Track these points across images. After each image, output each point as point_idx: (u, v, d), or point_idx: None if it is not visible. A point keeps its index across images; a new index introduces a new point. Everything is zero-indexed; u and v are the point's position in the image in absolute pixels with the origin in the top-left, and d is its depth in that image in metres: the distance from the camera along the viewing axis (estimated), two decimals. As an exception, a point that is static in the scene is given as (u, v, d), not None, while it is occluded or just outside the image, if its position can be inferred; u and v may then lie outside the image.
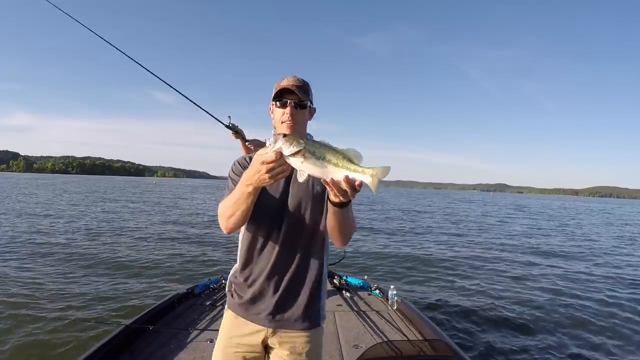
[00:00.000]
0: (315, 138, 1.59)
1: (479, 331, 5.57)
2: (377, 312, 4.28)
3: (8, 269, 8.45)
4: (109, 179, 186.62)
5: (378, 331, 3.78)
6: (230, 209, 1.51)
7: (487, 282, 8.39)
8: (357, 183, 1.23)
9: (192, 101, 3.85)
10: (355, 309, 4.38)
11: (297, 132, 1.72)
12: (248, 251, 1.75)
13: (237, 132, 3.86)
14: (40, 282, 7.53)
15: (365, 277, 5.25)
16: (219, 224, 1.61)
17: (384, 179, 1.26)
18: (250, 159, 1.74)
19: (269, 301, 1.70)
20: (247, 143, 3.94)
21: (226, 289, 1.87)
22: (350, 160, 1.23)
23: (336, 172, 1.22)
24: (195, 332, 3.51)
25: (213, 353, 1.82)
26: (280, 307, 1.70)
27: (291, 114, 1.70)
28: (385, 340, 3.48)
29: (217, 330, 3.46)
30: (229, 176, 1.78)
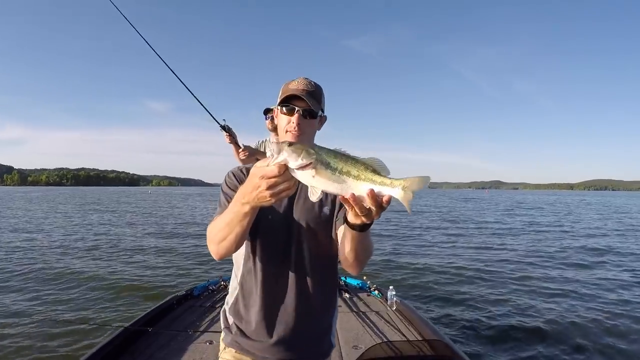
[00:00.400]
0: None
1: (478, 331, 5.56)
2: (377, 312, 4.28)
3: (8, 272, 8.62)
4: (103, 189, 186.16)
5: (377, 332, 3.78)
6: (222, 231, 1.27)
7: (487, 282, 8.37)
8: (384, 199, 0.99)
9: (192, 94, 3.85)
10: (355, 309, 4.38)
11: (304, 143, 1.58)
12: (248, 281, 1.56)
13: (231, 135, 3.86)
14: (40, 285, 7.65)
15: (364, 278, 5.25)
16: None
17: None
18: (248, 170, 1.49)
19: (277, 337, 1.51)
20: (239, 150, 3.93)
21: (221, 324, 1.67)
22: (375, 171, 1.01)
23: (358, 186, 1.00)
24: (195, 334, 3.50)
25: None
26: (291, 343, 1.53)
27: (298, 124, 1.50)
28: (385, 340, 3.49)
29: (217, 331, 3.48)
30: (222, 190, 1.56)
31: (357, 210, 1.02)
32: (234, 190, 1.42)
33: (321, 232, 1.54)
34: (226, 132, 3.86)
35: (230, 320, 1.62)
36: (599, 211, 36.18)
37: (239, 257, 1.57)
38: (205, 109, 3.89)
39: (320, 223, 1.54)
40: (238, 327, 1.57)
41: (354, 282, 5.19)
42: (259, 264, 1.53)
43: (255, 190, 1.04)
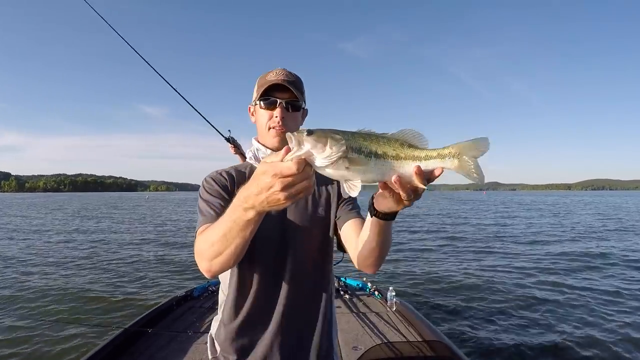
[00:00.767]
0: None
1: (478, 332, 5.55)
2: (376, 313, 4.28)
3: (9, 273, 8.74)
4: (101, 195, 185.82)
5: (377, 332, 3.78)
6: (216, 244, 1.04)
7: (487, 282, 8.36)
8: (436, 172, 0.85)
9: (197, 110, 3.90)
10: (355, 310, 4.38)
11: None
12: (239, 298, 1.36)
13: (236, 147, 3.90)
14: (40, 286, 7.70)
15: (364, 278, 5.25)
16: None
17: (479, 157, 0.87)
18: (228, 174, 1.43)
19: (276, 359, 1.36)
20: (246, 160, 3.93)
21: (209, 354, 1.47)
22: (412, 146, 0.88)
23: (401, 167, 0.86)
24: (195, 335, 3.49)
25: None
26: None
27: (282, 117, 1.35)
28: (385, 341, 3.49)
29: (217, 332, 3.46)
30: (202, 198, 1.35)
31: (403, 195, 0.86)
32: (217, 196, 1.32)
33: (317, 235, 1.41)
34: (231, 143, 3.90)
35: (218, 349, 1.42)
36: (600, 211, 36.21)
37: (226, 272, 1.38)
38: (210, 123, 3.95)
39: (316, 225, 1.41)
40: (226, 354, 1.38)
41: (353, 283, 5.19)
42: (249, 277, 1.35)
43: (265, 191, 0.83)
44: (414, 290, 7.66)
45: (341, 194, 1.39)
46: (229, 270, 1.36)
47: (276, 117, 1.35)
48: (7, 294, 7.14)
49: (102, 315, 6.04)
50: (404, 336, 3.67)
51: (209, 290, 4.70)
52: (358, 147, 0.84)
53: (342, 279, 5.25)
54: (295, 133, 0.82)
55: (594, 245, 13.63)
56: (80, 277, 8.61)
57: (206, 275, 1.14)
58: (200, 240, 1.13)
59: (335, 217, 1.44)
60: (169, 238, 15.62)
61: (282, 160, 0.81)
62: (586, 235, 16.89)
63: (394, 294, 4.43)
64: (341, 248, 1.44)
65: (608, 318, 6.13)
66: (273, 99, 1.35)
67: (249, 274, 1.35)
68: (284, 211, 1.36)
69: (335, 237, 1.46)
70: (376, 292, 4.85)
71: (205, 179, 1.41)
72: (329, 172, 0.84)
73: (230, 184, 1.39)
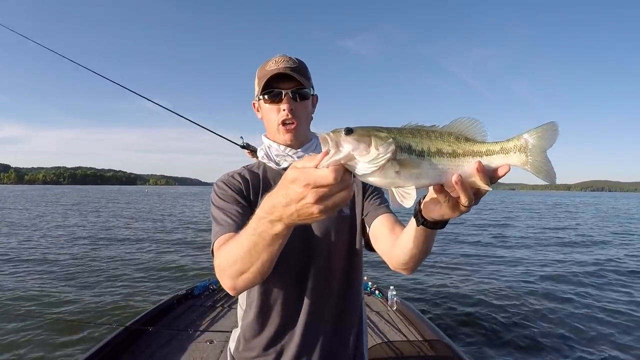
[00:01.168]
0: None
1: (479, 331, 5.54)
2: (377, 312, 4.26)
3: (9, 273, 8.66)
4: (100, 188, 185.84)
5: (378, 332, 3.76)
6: (241, 261, 0.91)
7: (487, 282, 8.35)
8: (501, 170, 0.72)
9: (209, 130, 3.91)
10: None
11: (301, 134, 1.29)
12: (261, 312, 1.26)
13: (253, 152, 3.93)
14: (41, 285, 7.68)
15: (365, 278, 5.24)
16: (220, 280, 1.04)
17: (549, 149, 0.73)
18: (241, 176, 1.32)
19: None
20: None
21: None
22: (469, 140, 0.75)
23: (460, 165, 0.73)
24: (195, 333, 3.49)
25: None
26: None
27: (290, 110, 1.22)
28: (385, 340, 3.48)
29: (217, 331, 3.47)
30: (214, 205, 1.23)
31: (463, 199, 0.73)
32: (232, 202, 1.21)
33: (344, 236, 1.29)
34: (247, 149, 3.93)
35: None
36: (599, 212, 36.25)
37: None
38: (223, 137, 3.97)
39: (342, 226, 1.28)
40: None
41: None
42: (271, 289, 1.24)
43: (294, 203, 0.71)
44: (415, 289, 7.63)
45: (365, 187, 1.33)
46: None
47: (284, 110, 1.22)
48: (6, 293, 7.10)
49: (102, 313, 6.03)
50: (405, 335, 3.65)
51: (210, 289, 4.69)
52: (407, 145, 0.71)
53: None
54: (331, 133, 0.69)
55: (596, 249, 13.61)
56: (80, 275, 8.58)
57: (231, 293, 1.03)
58: (220, 256, 1.00)
59: (362, 214, 1.31)
60: (170, 235, 15.59)
61: (316, 167, 0.67)
62: (585, 238, 16.89)
63: (394, 293, 4.41)
64: (370, 247, 1.30)
65: (611, 318, 6.14)
66: (277, 90, 1.22)
67: (270, 286, 1.24)
68: None
69: (362, 237, 1.34)
70: (377, 291, 4.84)
71: (216, 183, 1.30)
72: (375, 179, 0.70)
73: (245, 187, 1.29)
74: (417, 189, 0.72)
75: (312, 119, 1.35)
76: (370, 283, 5.05)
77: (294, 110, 1.23)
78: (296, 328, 1.24)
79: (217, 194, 1.25)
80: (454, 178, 0.70)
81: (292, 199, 0.71)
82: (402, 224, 1.17)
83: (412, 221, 0.94)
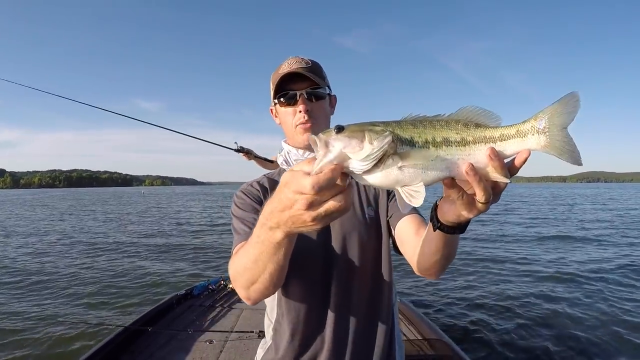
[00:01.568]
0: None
1: (479, 330, 5.52)
2: None
3: (7, 273, 8.74)
4: (96, 190, 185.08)
5: None
6: (250, 271, 0.88)
7: (487, 281, 8.28)
8: (519, 159, 0.65)
9: (203, 139, 3.97)
10: None
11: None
12: (285, 322, 1.22)
13: (249, 153, 3.97)
14: (39, 285, 7.73)
15: None
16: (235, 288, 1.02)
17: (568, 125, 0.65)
18: (261, 185, 1.29)
19: None
20: (272, 160, 4.03)
21: None
22: (479, 126, 0.67)
23: (472, 154, 0.65)
24: (195, 333, 3.48)
25: None
26: None
27: (306, 110, 1.18)
28: None
29: (217, 331, 3.47)
30: (234, 215, 1.22)
31: (479, 193, 0.65)
32: (250, 211, 1.18)
33: (370, 240, 1.22)
34: (242, 152, 3.98)
35: None
36: (595, 202, 36.33)
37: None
38: (217, 144, 4.03)
39: (367, 229, 1.21)
40: None
41: None
42: (293, 300, 1.20)
43: (287, 209, 0.66)
44: (414, 288, 7.61)
45: None
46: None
47: (300, 111, 1.18)
48: (5, 294, 7.15)
49: (102, 313, 6.04)
50: (404, 334, 3.64)
51: (209, 289, 4.68)
52: (409, 137, 0.64)
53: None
54: (320, 134, 0.63)
55: (594, 246, 13.56)
56: (79, 275, 8.58)
57: (248, 303, 1.00)
58: (233, 265, 0.98)
59: (387, 215, 1.25)
60: (168, 235, 15.56)
61: (305, 171, 0.62)
62: (585, 232, 16.94)
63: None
64: (398, 251, 1.24)
65: (616, 318, 6.05)
66: (292, 92, 1.18)
67: (291, 296, 1.19)
68: None
69: (390, 239, 1.27)
70: None
71: (235, 193, 1.28)
72: (377, 179, 0.64)
73: (263, 195, 1.26)
74: (425, 185, 0.65)
75: (330, 120, 1.30)
76: None
77: (311, 111, 1.19)
78: (325, 335, 1.19)
79: (236, 204, 1.24)
80: (465, 168, 0.63)
81: (285, 205, 0.66)
82: None
83: (431, 225, 0.87)
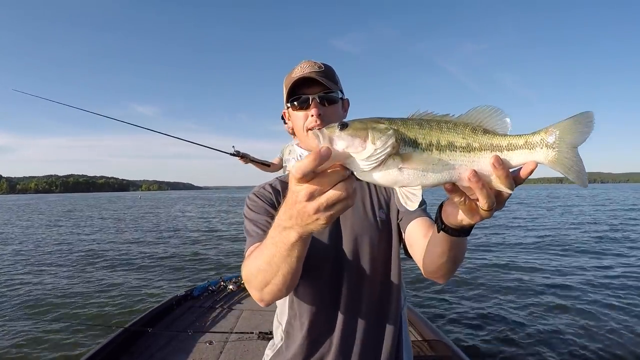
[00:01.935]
0: None
1: (479, 331, 5.52)
2: None
3: (7, 274, 8.85)
4: (93, 195, 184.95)
5: None
6: (263, 272, 0.88)
7: (488, 282, 8.29)
8: (526, 169, 0.64)
9: (201, 144, 4.01)
10: None
11: None
12: (295, 324, 1.23)
13: (244, 157, 3.99)
14: (41, 286, 7.76)
15: None
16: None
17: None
18: (273, 188, 1.30)
19: None
20: (270, 163, 4.03)
21: None
22: (488, 132, 0.65)
23: (476, 161, 0.63)
24: (195, 334, 3.46)
25: None
26: None
27: (319, 114, 1.18)
28: None
29: (217, 332, 3.46)
30: (246, 217, 1.23)
31: (481, 201, 0.64)
32: (263, 213, 1.19)
33: (380, 243, 1.22)
34: (238, 156, 4.00)
35: None
36: (593, 203, 36.48)
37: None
38: (215, 149, 4.07)
39: (377, 232, 1.22)
40: None
41: None
42: (303, 301, 1.21)
43: (295, 203, 0.66)
44: (414, 290, 7.60)
45: None
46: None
47: (312, 115, 1.19)
48: (6, 295, 7.18)
49: (102, 315, 6.06)
50: None
51: (209, 290, 4.67)
52: (413, 138, 0.62)
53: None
54: (324, 129, 0.63)
55: (595, 238, 13.62)
56: (80, 277, 8.62)
57: (260, 305, 1.00)
58: (246, 266, 0.97)
59: (398, 218, 1.25)
60: (168, 237, 15.62)
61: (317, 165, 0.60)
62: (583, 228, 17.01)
63: None
64: (409, 254, 1.25)
65: (615, 316, 6.09)
66: (304, 96, 1.19)
67: (302, 297, 1.21)
68: (337, 219, 1.10)
69: (400, 242, 1.28)
70: None
71: (248, 196, 1.28)
72: (377, 178, 0.63)
73: (275, 198, 1.27)
74: (424, 188, 0.65)
75: None
76: None
77: (323, 115, 1.19)
78: (334, 337, 1.20)
79: (248, 207, 1.24)
80: (468, 175, 0.62)
81: (293, 199, 0.66)
82: None
83: (436, 229, 0.86)
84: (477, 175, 0.62)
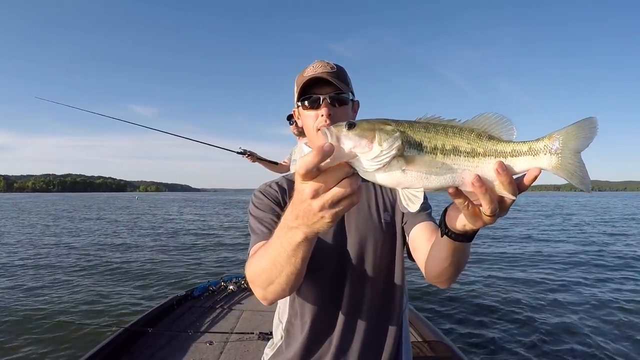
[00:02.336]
0: None
1: (479, 332, 5.52)
2: None
3: (10, 275, 8.75)
4: (90, 195, 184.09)
5: None
6: (267, 271, 0.88)
7: (488, 282, 8.30)
8: (530, 175, 0.64)
9: (208, 143, 4.03)
10: None
11: None
12: (296, 324, 1.24)
13: (252, 155, 4.00)
14: (41, 287, 7.73)
15: None
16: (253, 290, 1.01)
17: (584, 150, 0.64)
18: (279, 186, 1.30)
19: None
20: (279, 162, 4.04)
21: None
22: (492, 138, 0.66)
23: (480, 166, 0.64)
24: (195, 334, 3.47)
25: None
26: None
27: (329, 115, 1.18)
28: None
29: (217, 332, 3.47)
30: (251, 214, 1.22)
31: (484, 206, 0.65)
32: (268, 211, 1.19)
33: (384, 246, 1.22)
34: (246, 154, 4.02)
35: None
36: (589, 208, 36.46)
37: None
38: (223, 148, 4.09)
39: (382, 234, 1.22)
40: None
41: None
42: (305, 302, 1.21)
43: (301, 202, 0.67)
44: (414, 290, 7.56)
45: None
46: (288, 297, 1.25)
47: (322, 115, 1.19)
48: (5, 294, 7.14)
49: (102, 315, 6.04)
50: None
51: (210, 290, 4.67)
52: (418, 141, 0.63)
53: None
54: (332, 127, 0.64)
55: (595, 247, 13.58)
56: (80, 277, 8.59)
57: (263, 303, 1.00)
58: (250, 265, 0.97)
59: (402, 221, 1.25)
60: (167, 238, 15.61)
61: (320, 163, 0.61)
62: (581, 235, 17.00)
63: None
64: (412, 258, 1.25)
65: (615, 318, 6.08)
66: (315, 96, 1.19)
67: (305, 297, 1.21)
68: (341, 219, 1.16)
69: (404, 245, 1.28)
70: None
71: (254, 193, 1.29)
72: (380, 179, 0.64)
73: (281, 196, 1.27)
74: (427, 191, 0.65)
75: None
76: None
77: (333, 116, 1.19)
78: (333, 337, 1.20)
79: (254, 204, 1.25)
80: (471, 179, 0.63)
81: (299, 198, 0.67)
82: None
83: (440, 233, 0.87)
84: (480, 180, 0.62)
